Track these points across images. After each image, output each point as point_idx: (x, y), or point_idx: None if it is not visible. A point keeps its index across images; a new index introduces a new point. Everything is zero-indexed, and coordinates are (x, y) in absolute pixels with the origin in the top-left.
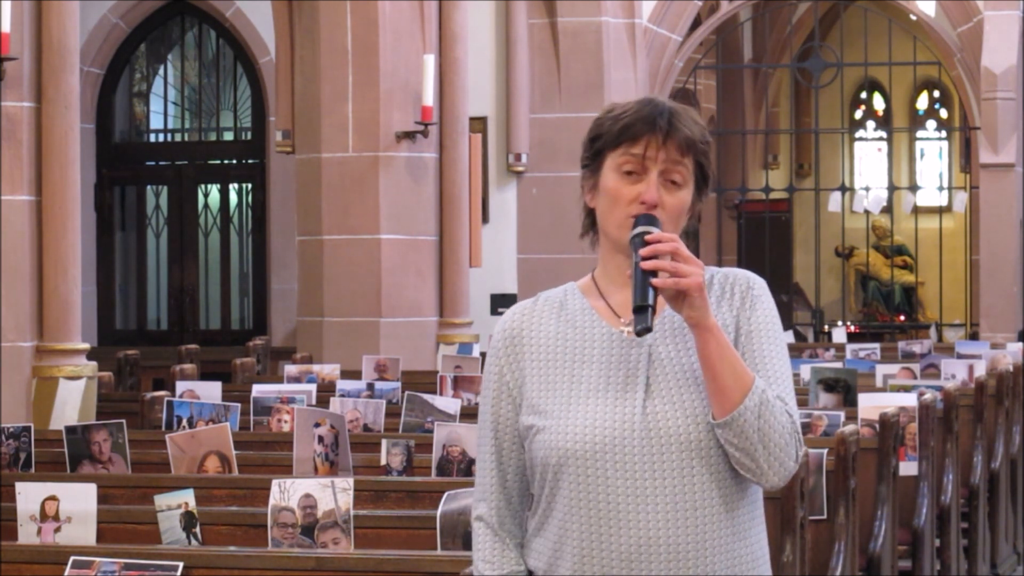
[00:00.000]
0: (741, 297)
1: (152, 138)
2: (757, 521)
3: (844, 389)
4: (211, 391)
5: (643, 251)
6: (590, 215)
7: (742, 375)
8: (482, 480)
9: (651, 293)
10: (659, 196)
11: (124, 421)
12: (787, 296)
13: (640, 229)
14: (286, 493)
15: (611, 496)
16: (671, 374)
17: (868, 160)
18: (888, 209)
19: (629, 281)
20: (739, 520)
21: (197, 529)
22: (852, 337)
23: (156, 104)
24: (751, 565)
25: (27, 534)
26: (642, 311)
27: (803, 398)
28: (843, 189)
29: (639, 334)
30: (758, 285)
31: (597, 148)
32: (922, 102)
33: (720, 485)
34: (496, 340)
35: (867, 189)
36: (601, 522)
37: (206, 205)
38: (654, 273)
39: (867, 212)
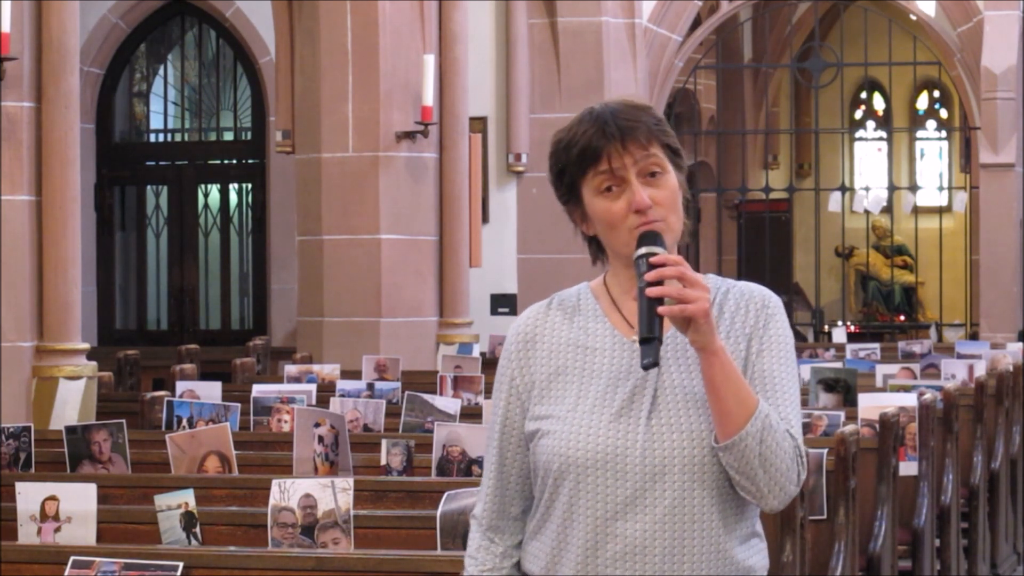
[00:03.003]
0: (756, 314)
1: (152, 138)
2: (754, 540)
3: (844, 389)
4: (211, 391)
5: (648, 276)
6: (592, 242)
7: (746, 399)
8: (484, 480)
9: (657, 323)
10: (648, 196)
11: (124, 421)
12: (787, 296)
13: (644, 250)
14: (286, 493)
15: (608, 506)
16: (678, 393)
17: (868, 160)
18: (888, 209)
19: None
20: (736, 537)
21: (197, 529)
22: (852, 337)
23: (156, 104)
24: (746, 571)
25: (27, 534)
26: (648, 343)
27: (803, 398)
28: (843, 189)
29: (645, 368)
30: (773, 303)
31: (568, 182)
32: (922, 102)
33: (718, 505)
34: (509, 343)
35: (867, 189)
36: (597, 531)
37: (206, 205)
38: (660, 300)
39: (867, 212)
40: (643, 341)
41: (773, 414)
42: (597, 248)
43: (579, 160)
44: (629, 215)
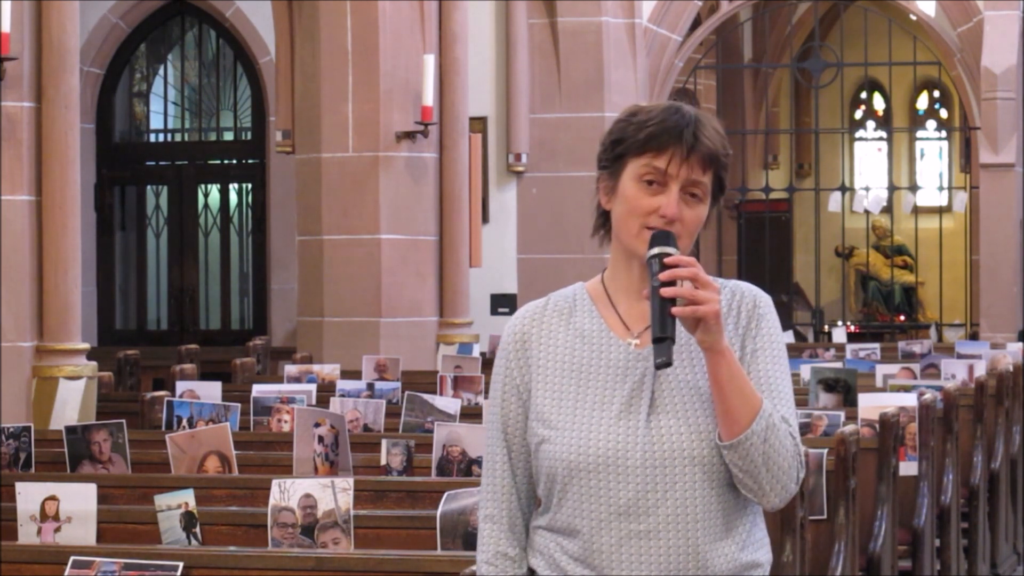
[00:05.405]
0: (748, 315)
1: (152, 138)
2: (758, 534)
3: (844, 389)
4: (211, 391)
5: (662, 276)
6: (603, 216)
7: (751, 398)
8: (491, 479)
9: (670, 323)
10: (679, 211)
11: (124, 421)
12: (787, 296)
13: (658, 250)
14: (286, 493)
15: (613, 507)
16: (676, 389)
17: (868, 160)
18: (888, 209)
19: (640, 289)
20: (738, 532)
21: (197, 529)
22: (852, 337)
23: (156, 104)
24: (749, 570)
25: (27, 534)
26: (661, 342)
27: (803, 398)
28: (843, 189)
29: (659, 367)
30: (763, 303)
31: (619, 152)
32: (922, 102)
33: (722, 499)
34: (506, 341)
35: (867, 189)
36: (603, 531)
37: (206, 205)
38: (673, 300)
39: (867, 212)
40: (656, 340)
41: (776, 414)
42: (603, 222)
43: (643, 142)
44: (652, 215)
